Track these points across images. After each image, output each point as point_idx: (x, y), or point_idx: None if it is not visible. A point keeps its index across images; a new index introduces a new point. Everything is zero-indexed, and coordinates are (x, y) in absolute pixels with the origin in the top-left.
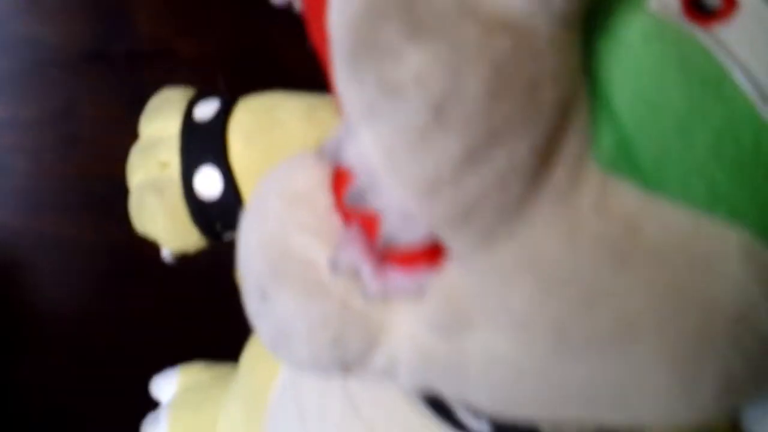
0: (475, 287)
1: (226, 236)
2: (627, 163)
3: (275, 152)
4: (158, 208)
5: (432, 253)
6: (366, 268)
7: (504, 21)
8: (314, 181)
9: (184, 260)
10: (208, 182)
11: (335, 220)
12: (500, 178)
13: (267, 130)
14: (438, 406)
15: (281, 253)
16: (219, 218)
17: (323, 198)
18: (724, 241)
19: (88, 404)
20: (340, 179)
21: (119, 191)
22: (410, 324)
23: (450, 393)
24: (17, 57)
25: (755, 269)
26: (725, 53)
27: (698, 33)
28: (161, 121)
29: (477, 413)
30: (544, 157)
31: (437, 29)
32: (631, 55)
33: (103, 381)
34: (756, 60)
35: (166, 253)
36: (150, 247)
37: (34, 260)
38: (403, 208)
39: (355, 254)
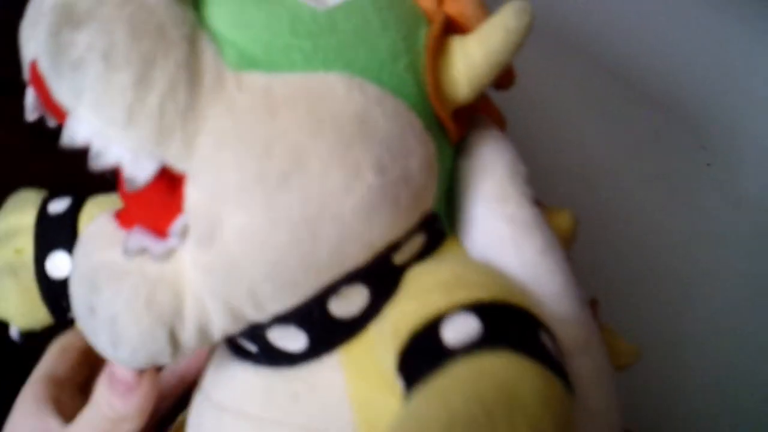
0: (203, 189)
1: (71, 314)
2: (247, 61)
3: None
4: (12, 288)
5: (175, 192)
6: (149, 242)
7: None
8: (100, 223)
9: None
10: (59, 264)
11: (120, 233)
12: (168, 88)
13: None
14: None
15: (92, 271)
16: (66, 297)
17: (108, 227)
18: (328, 81)
19: None
20: (121, 209)
21: None
22: (190, 258)
23: (245, 301)
24: None
25: (349, 85)
26: None
27: None
28: (17, 215)
29: (282, 323)
30: (192, 71)
31: (88, 17)
32: (221, 3)
33: None
34: None
35: (14, 330)
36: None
37: None
38: (125, 149)
39: (138, 238)
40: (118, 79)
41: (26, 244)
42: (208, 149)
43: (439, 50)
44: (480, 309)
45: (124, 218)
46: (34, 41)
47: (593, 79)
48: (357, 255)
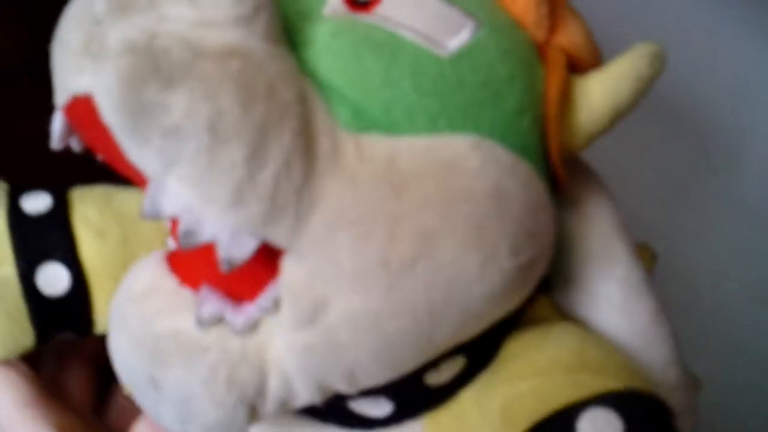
0: (310, 268)
1: (60, 336)
2: (364, 122)
3: (131, 245)
4: None
5: (268, 266)
6: (227, 311)
7: (228, 49)
8: (153, 274)
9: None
10: (54, 280)
11: (184, 293)
12: (282, 163)
13: (117, 223)
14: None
15: (153, 341)
16: (62, 316)
17: (167, 283)
18: (457, 148)
19: None
20: (178, 256)
21: None
22: (281, 335)
23: (340, 379)
24: None
25: (483, 154)
26: (389, 21)
27: (365, 17)
28: None
29: (371, 394)
30: (306, 137)
31: (183, 74)
32: (331, 48)
33: None
34: (410, 19)
35: None
36: None
37: None
38: (225, 226)
39: (214, 305)
40: (226, 155)
41: (3, 254)
42: (322, 228)
43: (564, 100)
44: (615, 402)
45: (183, 269)
46: (90, 75)
47: None
48: (471, 333)
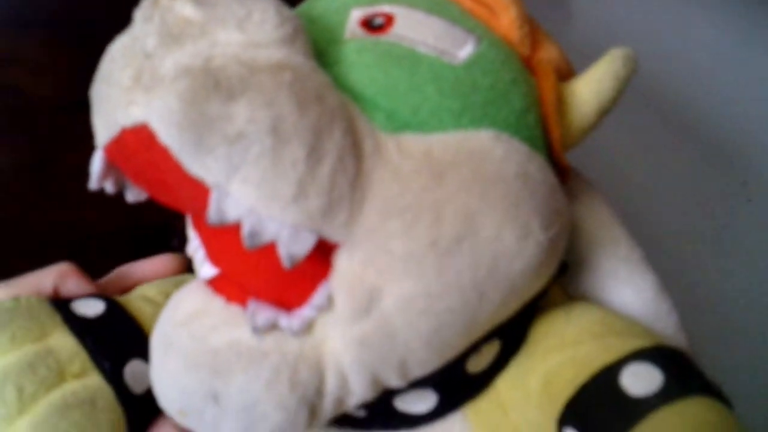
0: (363, 259)
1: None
2: (397, 123)
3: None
4: (89, 424)
5: (312, 273)
6: (280, 317)
7: (279, 64)
8: (198, 299)
9: None
10: (139, 376)
11: (234, 309)
12: (337, 158)
13: (176, 284)
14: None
15: (211, 355)
16: (151, 407)
17: (214, 303)
18: (482, 140)
19: None
20: (220, 280)
21: (89, 238)
22: (337, 330)
23: (393, 370)
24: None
25: (505, 145)
26: (404, 39)
27: (382, 37)
28: (33, 336)
29: (418, 387)
30: (353, 136)
31: (242, 86)
32: (359, 65)
33: None
34: (422, 36)
35: None
36: None
37: None
38: (286, 224)
39: (266, 313)
40: (289, 154)
41: (81, 364)
42: (374, 218)
43: (558, 100)
44: (651, 355)
45: (228, 289)
46: (143, 106)
47: (639, 116)
48: (510, 311)
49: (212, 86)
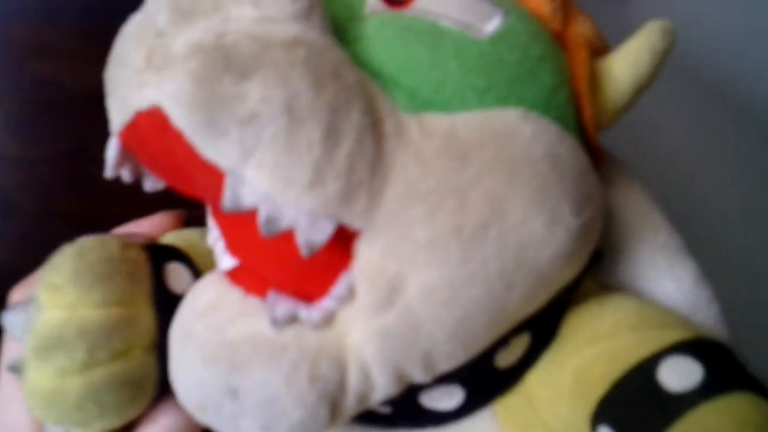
0: (384, 247)
1: None
2: (419, 102)
3: None
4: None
5: (331, 263)
6: (300, 309)
7: (293, 40)
8: (216, 290)
9: None
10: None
11: (252, 301)
12: (355, 140)
13: None
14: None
15: (229, 348)
16: None
17: (232, 294)
18: (508, 119)
19: None
20: (238, 272)
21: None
22: (359, 322)
23: (417, 364)
24: (33, 97)
25: (533, 124)
26: (427, 13)
27: (404, 12)
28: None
29: (444, 382)
30: (373, 117)
31: (255, 64)
32: (378, 41)
33: None
34: (445, 9)
35: None
36: None
37: None
38: (303, 211)
39: (286, 305)
40: (304, 135)
41: (148, 341)
42: (395, 204)
43: (590, 77)
44: (690, 349)
45: (247, 281)
46: (155, 88)
47: (681, 93)
48: (539, 302)
49: (224, 64)
